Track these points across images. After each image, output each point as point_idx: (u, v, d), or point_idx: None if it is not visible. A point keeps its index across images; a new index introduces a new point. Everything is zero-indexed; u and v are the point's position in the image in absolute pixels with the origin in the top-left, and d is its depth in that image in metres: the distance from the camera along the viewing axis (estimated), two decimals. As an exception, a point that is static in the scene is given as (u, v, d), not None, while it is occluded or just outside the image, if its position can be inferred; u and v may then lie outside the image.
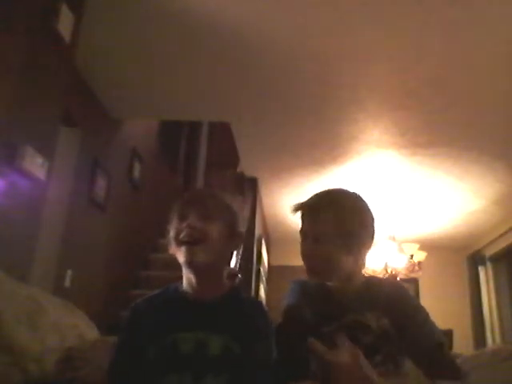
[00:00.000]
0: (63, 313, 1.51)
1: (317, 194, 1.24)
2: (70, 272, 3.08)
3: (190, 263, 1.02)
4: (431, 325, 1.14)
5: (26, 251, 1.98)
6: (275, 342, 1.13)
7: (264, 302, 6.02)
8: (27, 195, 1.95)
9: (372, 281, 1.24)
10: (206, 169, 6.36)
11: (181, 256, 1.03)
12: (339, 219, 1.15)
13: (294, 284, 1.29)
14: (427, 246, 5.79)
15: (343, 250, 1.14)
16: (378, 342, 1.11)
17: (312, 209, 1.20)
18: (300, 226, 1.22)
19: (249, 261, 4.94)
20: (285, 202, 5.63)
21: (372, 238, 1.20)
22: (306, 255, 1.17)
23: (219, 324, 1.02)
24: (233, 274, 3.63)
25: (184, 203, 1.09)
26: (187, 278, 1.07)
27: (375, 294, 1.18)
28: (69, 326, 1.47)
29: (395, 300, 1.16)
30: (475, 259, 6.71)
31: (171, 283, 1.11)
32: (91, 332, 1.58)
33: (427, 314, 1.16)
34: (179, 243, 1.03)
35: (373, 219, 1.21)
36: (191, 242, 1.02)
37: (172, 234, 1.06)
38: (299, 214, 1.23)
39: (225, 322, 1.02)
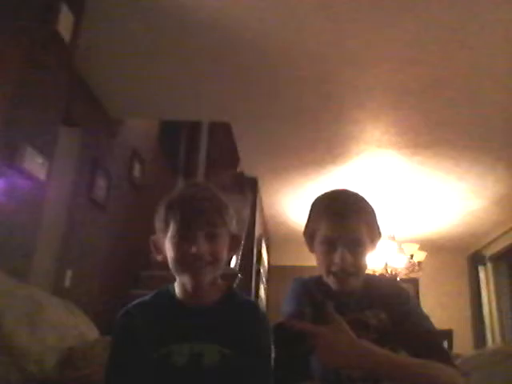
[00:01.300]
0: (63, 313, 1.51)
1: (334, 199, 1.22)
2: (69, 272, 3.08)
3: (198, 283, 0.99)
4: (420, 314, 1.16)
5: (26, 251, 1.98)
6: (274, 343, 1.13)
7: (264, 302, 6.01)
8: (27, 195, 1.95)
9: (371, 280, 1.25)
10: (206, 169, 6.35)
11: (185, 277, 0.99)
12: (368, 223, 1.17)
13: (296, 283, 1.28)
14: (427, 245, 5.79)
15: (370, 249, 1.18)
16: (379, 340, 1.12)
17: (340, 215, 1.16)
18: (313, 229, 1.20)
19: (249, 261, 4.94)
20: (285, 202, 5.63)
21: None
22: (345, 264, 1.13)
23: (215, 333, 0.98)
24: (233, 274, 3.63)
25: (186, 216, 0.98)
26: (181, 283, 1.03)
27: (374, 293, 1.19)
28: (69, 326, 1.47)
29: (390, 294, 1.19)
30: (475, 259, 6.71)
31: (163, 286, 1.07)
32: (91, 332, 1.58)
33: (417, 305, 1.19)
34: (183, 264, 0.98)
35: None
36: (201, 266, 0.98)
37: (173, 254, 0.98)
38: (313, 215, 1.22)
39: (221, 331, 0.99)
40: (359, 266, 1.16)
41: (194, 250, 0.96)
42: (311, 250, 1.24)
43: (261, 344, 1.01)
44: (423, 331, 1.11)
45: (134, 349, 0.98)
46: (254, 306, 1.11)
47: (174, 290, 1.05)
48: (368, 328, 1.13)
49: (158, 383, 0.95)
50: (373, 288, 1.21)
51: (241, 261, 4.23)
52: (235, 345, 0.97)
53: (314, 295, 1.19)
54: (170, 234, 1.00)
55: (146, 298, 1.07)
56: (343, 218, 1.14)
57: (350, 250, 1.13)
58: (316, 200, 1.26)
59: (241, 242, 1.10)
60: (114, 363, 1.00)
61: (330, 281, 1.18)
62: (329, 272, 1.17)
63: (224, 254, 1.01)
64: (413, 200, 5.27)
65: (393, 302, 1.16)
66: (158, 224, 1.04)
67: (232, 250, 1.07)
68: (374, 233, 1.20)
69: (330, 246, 1.15)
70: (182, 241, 0.98)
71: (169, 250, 1.00)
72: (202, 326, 0.98)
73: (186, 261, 0.97)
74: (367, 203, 1.21)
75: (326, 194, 1.25)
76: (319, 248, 1.19)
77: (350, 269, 1.14)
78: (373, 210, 1.22)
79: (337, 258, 1.14)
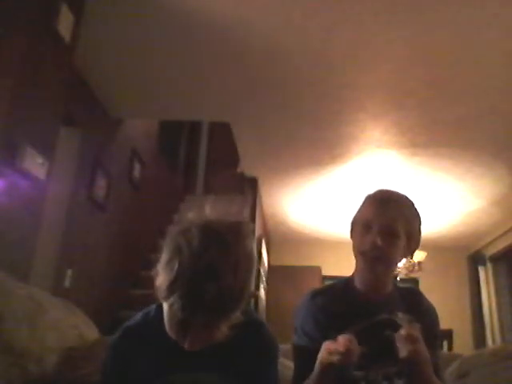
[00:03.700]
0: (63, 313, 1.51)
1: (382, 190, 1.29)
2: (69, 272, 3.08)
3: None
4: (439, 345, 1.25)
5: (26, 251, 1.98)
6: (294, 359, 1.18)
7: (264, 302, 6.02)
8: (27, 195, 1.95)
9: (406, 289, 1.31)
10: (206, 169, 6.36)
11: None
12: (407, 219, 1.22)
13: (311, 298, 1.27)
14: (427, 246, 5.78)
15: (404, 250, 1.22)
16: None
17: (382, 202, 1.23)
18: (356, 215, 1.27)
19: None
20: (285, 202, 5.63)
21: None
22: (374, 246, 1.17)
23: (218, 361, 0.91)
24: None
25: (182, 307, 0.82)
26: None
27: (411, 303, 1.24)
28: (69, 326, 1.47)
29: (430, 310, 1.25)
30: (475, 259, 6.71)
31: (151, 307, 0.98)
32: (91, 332, 1.58)
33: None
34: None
35: None
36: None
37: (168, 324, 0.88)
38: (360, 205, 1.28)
39: (224, 359, 0.92)
40: (388, 254, 1.19)
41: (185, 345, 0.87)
42: (351, 235, 1.30)
43: (265, 368, 0.97)
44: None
45: (128, 376, 0.92)
46: (258, 328, 1.02)
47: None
48: (397, 328, 1.14)
49: None
50: (410, 297, 1.26)
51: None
52: (238, 372, 0.92)
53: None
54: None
55: (148, 316, 0.99)
56: (384, 205, 1.21)
57: (382, 237, 1.17)
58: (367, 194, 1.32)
59: (251, 297, 0.96)
60: None
61: (360, 261, 1.21)
62: (359, 252, 1.21)
63: (227, 328, 0.88)
64: (412, 200, 5.26)
65: (430, 319, 1.21)
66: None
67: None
68: (412, 234, 1.23)
69: (366, 228, 1.20)
70: (177, 326, 0.88)
71: None
72: (202, 354, 0.90)
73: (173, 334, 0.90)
74: (414, 207, 1.27)
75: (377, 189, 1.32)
76: (356, 230, 1.25)
77: (376, 253, 1.17)
78: (418, 216, 1.26)
79: (368, 239, 1.18)
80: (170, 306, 0.83)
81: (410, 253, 1.25)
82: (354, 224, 1.29)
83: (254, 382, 0.93)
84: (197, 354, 0.89)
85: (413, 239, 1.23)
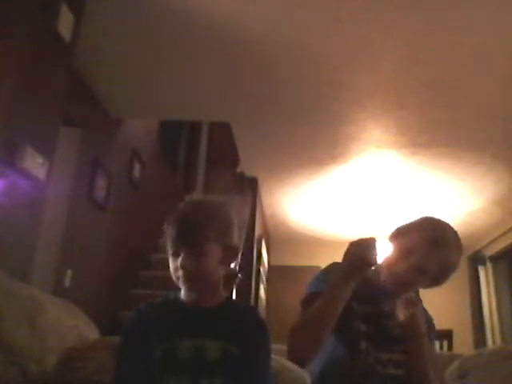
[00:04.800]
0: (63, 313, 1.51)
1: (438, 227, 1.30)
2: (69, 272, 3.08)
3: (190, 293, 1.08)
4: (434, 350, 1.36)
5: (26, 251, 1.98)
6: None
7: (264, 302, 6.02)
8: (27, 195, 1.95)
9: (409, 295, 1.35)
10: (206, 169, 6.36)
11: (182, 290, 1.09)
12: (449, 264, 1.25)
13: (332, 267, 1.33)
14: (427, 246, 5.78)
15: (431, 282, 1.27)
16: (404, 336, 1.22)
17: (437, 244, 1.24)
18: (405, 231, 1.33)
19: (249, 261, 4.94)
20: (285, 202, 5.63)
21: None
22: (407, 274, 1.24)
23: (217, 330, 1.04)
24: (233, 274, 3.63)
25: (174, 235, 1.06)
26: (186, 292, 1.10)
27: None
28: (69, 326, 1.47)
29: (429, 319, 1.34)
30: (475, 259, 6.71)
31: (170, 292, 1.13)
32: (91, 332, 1.58)
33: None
34: (177, 278, 1.07)
35: None
36: (188, 281, 1.05)
37: (171, 267, 1.08)
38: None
39: (222, 329, 1.05)
40: (414, 285, 1.28)
41: (178, 262, 1.04)
42: (390, 239, 1.35)
43: (260, 345, 1.07)
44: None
45: (143, 340, 1.04)
46: (254, 309, 1.22)
47: (181, 296, 1.11)
48: (396, 321, 1.22)
49: (159, 378, 1.00)
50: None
51: (241, 261, 4.23)
52: (236, 343, 1.03)
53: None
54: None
55: (156, 300, 1.14)
56: (434, 248, 1.23)
57: (417, 272, 1.23)
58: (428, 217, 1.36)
59: (236, 253, 1.14)
60: (124, 352, 1.07)
61: (388, 274, 1.27)
62: (389, 269, 1.27)
63: (213, 268, 1.06)
64: (412, 200, 5.27)
65: (426, 320, 1.27)
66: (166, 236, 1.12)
67: (227, 262, 1.11)
68: (447, 274, 1.26)
69: (407, 253, 1.26)
70: (174, 257, 1.06)
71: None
72: (203, 325, 1.05)
73: (177, 273, 1.06)
74: (461, 248, 1.28)
75: (436, 219, 1.34)
76: (397, 245, 1.31)
77: (405, 279, 1.24)
78: (459, 258, 1.27)
79: (405, 264, 1.24)
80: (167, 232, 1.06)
81: (436, 285, 1.29)
82: (398, 235, 1.34)
83: (252, 354, 1.03)
84: (202, 322, 1.05)
85: (445, 277, 1.27)
